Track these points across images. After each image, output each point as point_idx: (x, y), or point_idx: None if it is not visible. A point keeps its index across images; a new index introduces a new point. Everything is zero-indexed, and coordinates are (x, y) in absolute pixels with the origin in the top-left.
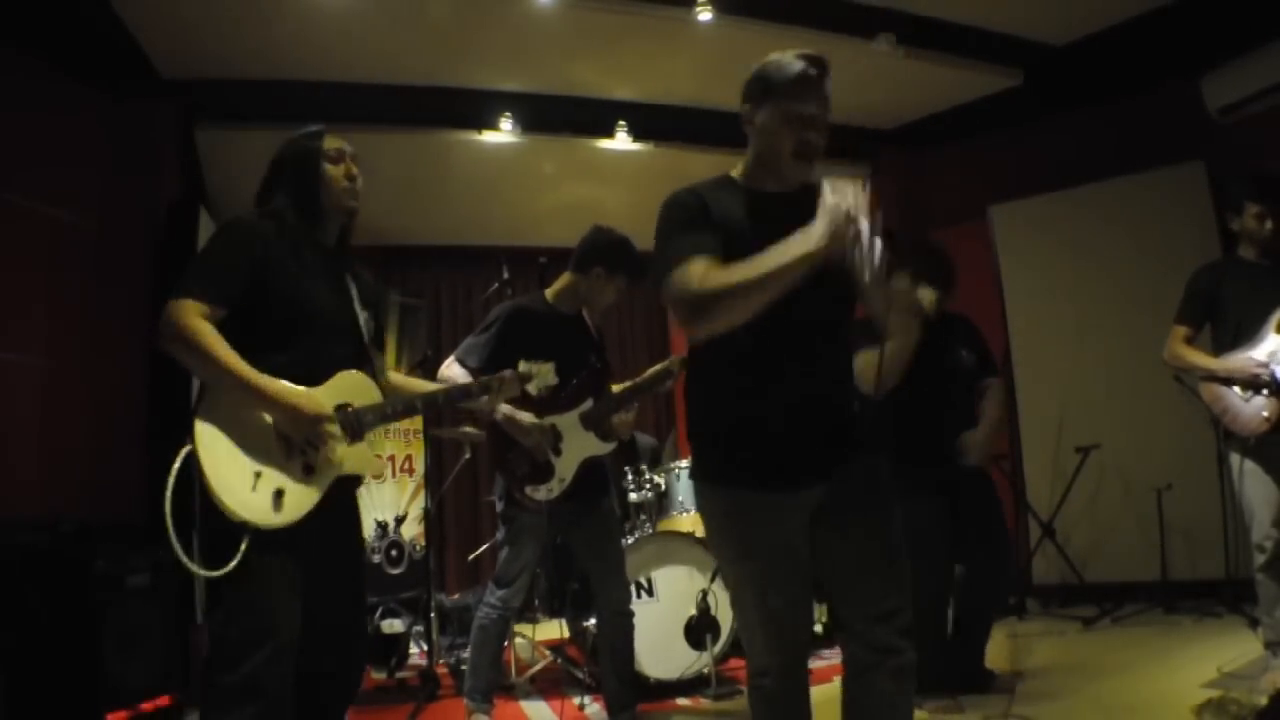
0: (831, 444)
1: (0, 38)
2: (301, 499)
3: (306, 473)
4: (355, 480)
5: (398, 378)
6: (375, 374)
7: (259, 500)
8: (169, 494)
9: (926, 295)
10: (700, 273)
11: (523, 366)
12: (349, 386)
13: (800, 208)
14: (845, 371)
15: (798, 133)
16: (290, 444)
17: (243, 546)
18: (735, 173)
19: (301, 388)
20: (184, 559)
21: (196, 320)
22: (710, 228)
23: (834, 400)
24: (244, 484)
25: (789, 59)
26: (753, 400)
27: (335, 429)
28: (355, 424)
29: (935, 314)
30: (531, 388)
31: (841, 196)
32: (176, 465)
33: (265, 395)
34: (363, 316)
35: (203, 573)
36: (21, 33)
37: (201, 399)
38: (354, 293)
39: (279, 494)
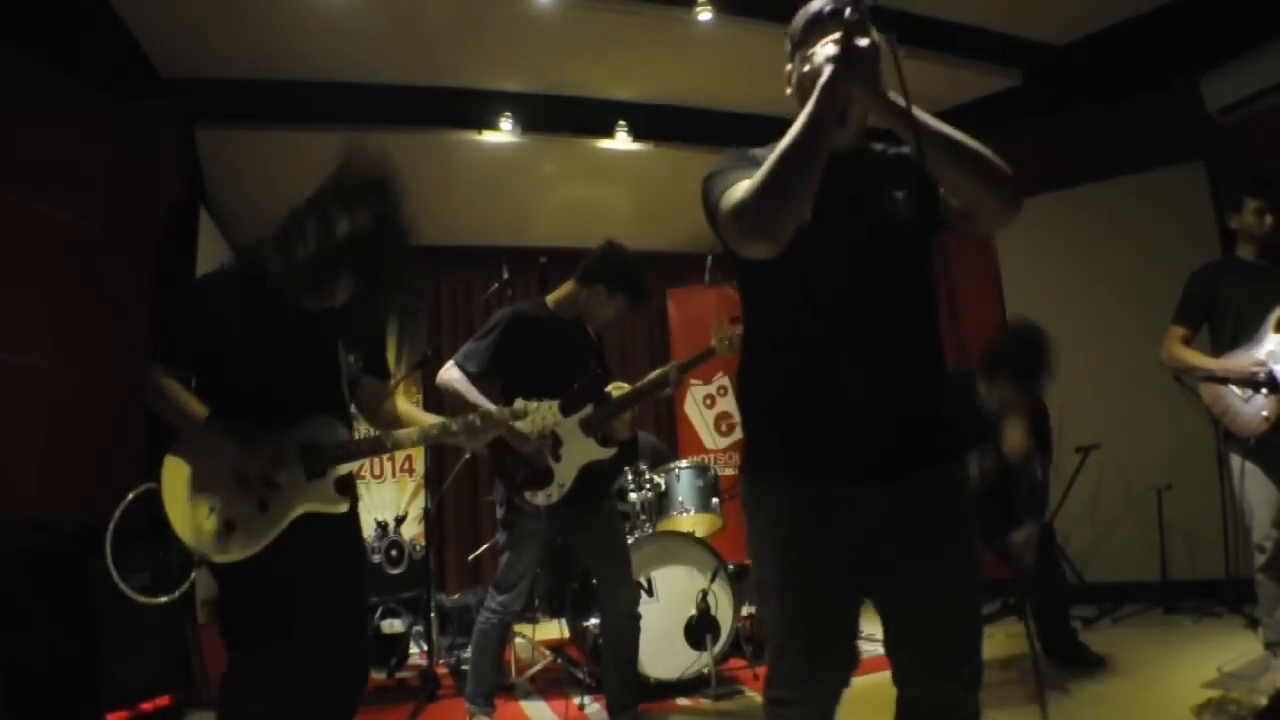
0: (897, 441)
1: (0, 37)
2: (254, 533)
3: (262, 509)
4: (350, 500)
5: (404, 407)
6: (358, 410)
7: (207, 531)
8: (112, 526)
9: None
10: (745, 185)
11: (518, 404)
12: (318, 428)
13: (859, 165)
14: (921, 366)
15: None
16: (246, 481)
17: (191, 576)
18: None
19: (256, 432)
20: (122, 586)
21: (163, 379)
22: (756, 168)
23: (902, 395)
24: (200, 514)
25: (810, 5)
26: (804, 386)
27: (290, 465)
28: (315, 461)
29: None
30: (525, 425)
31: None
32: (129, 498)
33: (217, 434)
34: (345, 359)
35: (140, 599)
36: (22, 32)
37: (176, 440)
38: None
39: (229, 526)
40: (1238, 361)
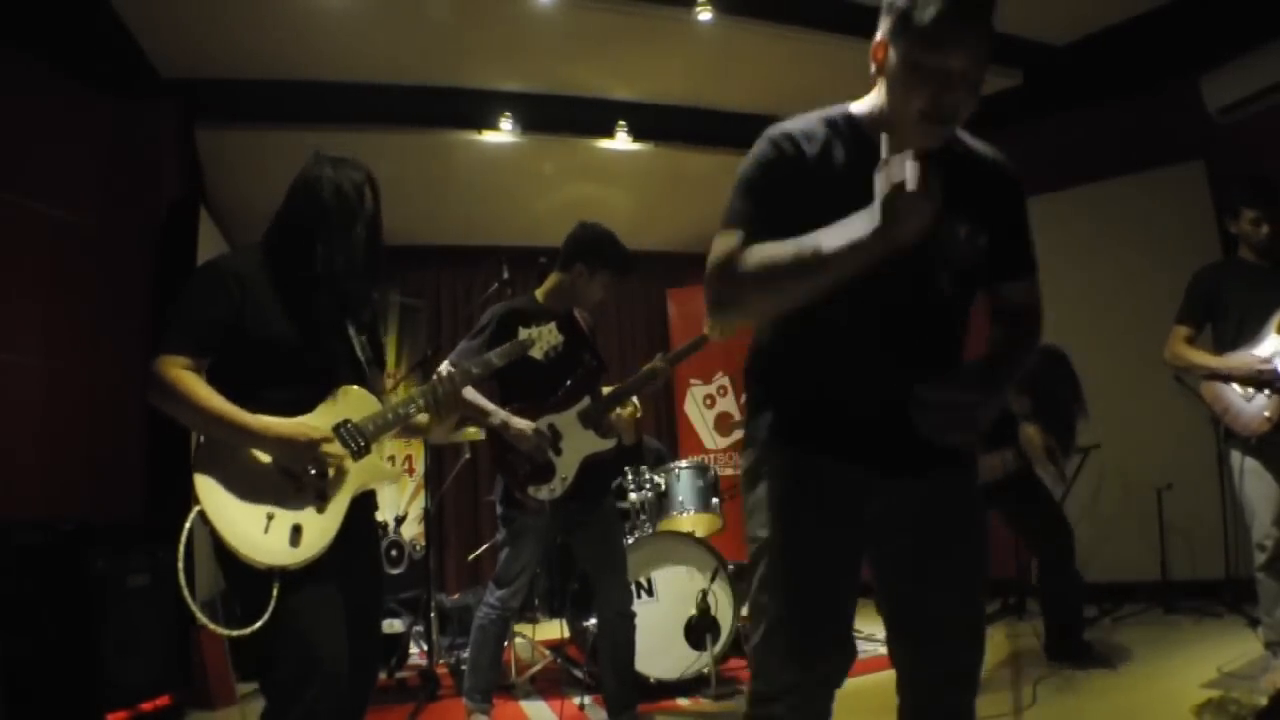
0: (916, 441)
1: (0, 37)
2: (321, 529)
3: (320, 501)
4: (369, 500)
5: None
6: (375, 390)
7: (275, 542)
8: (181, 564)
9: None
10: (731, 250)
11: (523, 333)
12: (347, 403)
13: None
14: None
15: (931, 91)
16: (295, 477)
17: (274, 593)
18: (861, 109)
19: (293, 419)
20: (207, 622)
21: (176, 371)
22: (781, 195)
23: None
24: (257, 529)
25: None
26: (829, 376)
27: (336, 449)
28: (357, 438)
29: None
30: (536, 352)
31: (900, 173)
32: (187, 527)
33: (254, 432)
34: (359, 340)
35: (233, 633)
36: (22, 32)
37: (198, 453)
38: (350, 317)
39: (296, 530)
40: (1242, 359)
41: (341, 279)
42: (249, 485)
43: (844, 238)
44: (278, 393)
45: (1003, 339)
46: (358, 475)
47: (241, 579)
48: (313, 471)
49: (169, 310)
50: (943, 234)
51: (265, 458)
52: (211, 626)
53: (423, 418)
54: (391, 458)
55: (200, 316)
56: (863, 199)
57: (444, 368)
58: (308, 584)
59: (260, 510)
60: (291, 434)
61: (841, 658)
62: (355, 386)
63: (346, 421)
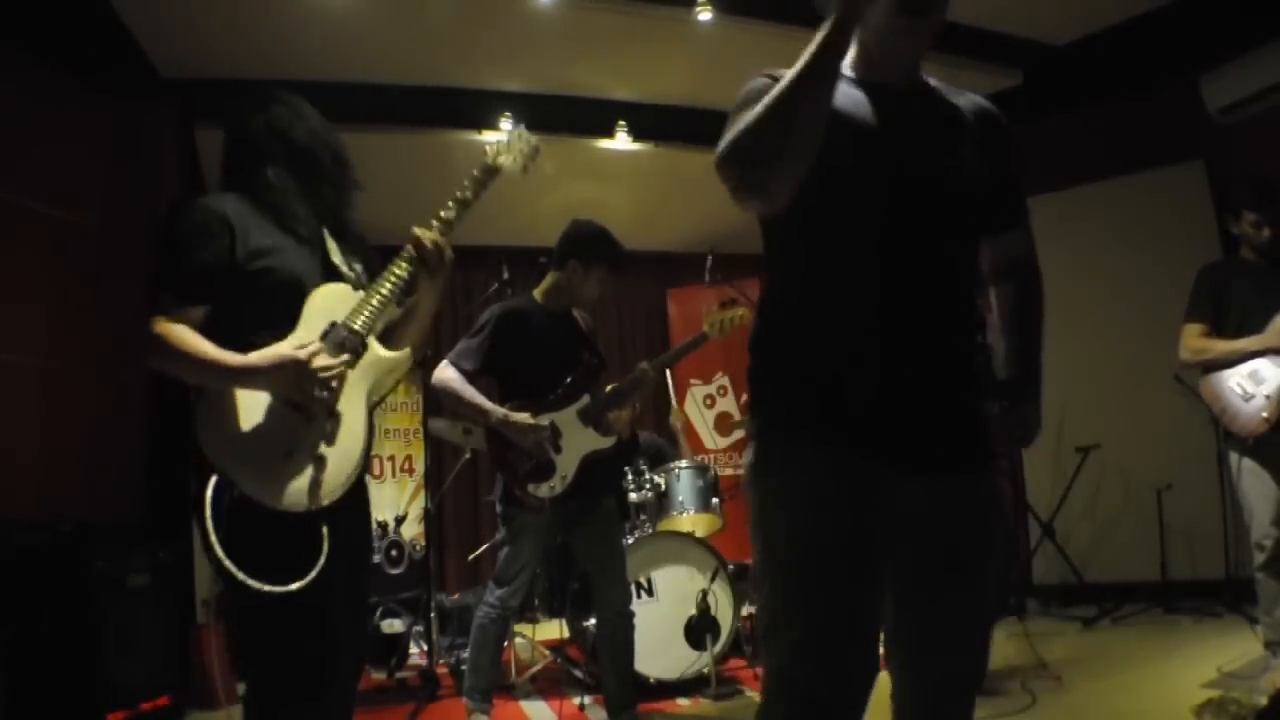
0: (937, 436)
1: (0, 37)
2: (343, 452)
3: (334, 420)
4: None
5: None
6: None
7: (303, 481)
8: (212, 534)
9: None
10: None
11: (488, 150)
12: (326, 303)
13: (919, 107)
14: (959, 347)
15: None
16: (300, 407)
17: (324, 533)
18: (845, 61)
19: (274, 345)
20: (250, 582)
21: (165, 326)
22: None
23: (941, 380)
24: (282, 476)
25: None
26: (838, 351)
27: (329, 358)
28: (350, 338)
29: None
30: (516, 166)
31: None
32: (209, 495)
33: (242, 371)
34: (346, 260)
35: (278, 589)
36: (21, 32)
37: (195, 422)
38: (336, 246)
39: (320, 462)
40: (1270, 334)
41: (324, 170)
42: (258, 436)
43: (812, 43)
44: (274, 330)
45: (1014, 308)
46: (363, 377)
47: (270, 541)
48: (316, 392)
49: (156, 265)
50: (948, 158)
51: (264, 398)
52: (249, 581)
53: (413, 297)
54: (391, 457)
55: (187, 267)
56: (862, 124)
57: (442, 368)
58: (307, 595)
59: (278, 454)
60: (279, 361)
61: (866, 668)
62: (325, 285)
63: (333, 324)
